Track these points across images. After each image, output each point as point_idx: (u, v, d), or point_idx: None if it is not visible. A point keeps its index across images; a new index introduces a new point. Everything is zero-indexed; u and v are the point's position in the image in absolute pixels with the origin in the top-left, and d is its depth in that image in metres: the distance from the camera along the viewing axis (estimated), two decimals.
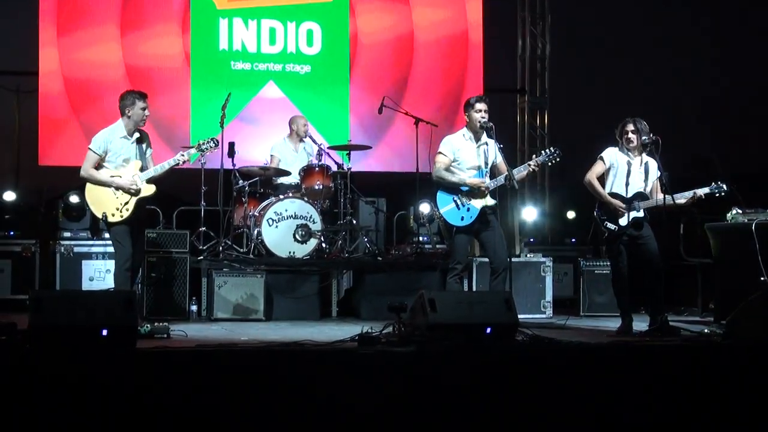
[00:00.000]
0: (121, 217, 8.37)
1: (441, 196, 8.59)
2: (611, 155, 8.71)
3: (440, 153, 8.65)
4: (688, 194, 8.51)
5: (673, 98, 12.59)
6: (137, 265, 8.71)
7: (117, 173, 8.43)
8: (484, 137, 8.60)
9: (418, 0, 13.49)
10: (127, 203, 8.36)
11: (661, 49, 13.10)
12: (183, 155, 8.62)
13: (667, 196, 8.35)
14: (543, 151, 8.80)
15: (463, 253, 8.69)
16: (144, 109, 8.46)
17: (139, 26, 12.50)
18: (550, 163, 8.77)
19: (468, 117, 8.64)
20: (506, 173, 8.40)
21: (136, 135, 8.54)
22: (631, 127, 8.61)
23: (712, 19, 12.49)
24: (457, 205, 8.51)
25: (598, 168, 8.73)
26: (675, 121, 11.63)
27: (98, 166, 8.45)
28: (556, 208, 14.22)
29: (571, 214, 13.59)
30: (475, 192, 8.51)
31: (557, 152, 8.64)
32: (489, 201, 8.51)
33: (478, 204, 8.48)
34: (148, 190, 8.48)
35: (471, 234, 8.61)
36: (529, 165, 8.61)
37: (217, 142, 9.02)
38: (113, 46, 12.38)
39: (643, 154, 8.67)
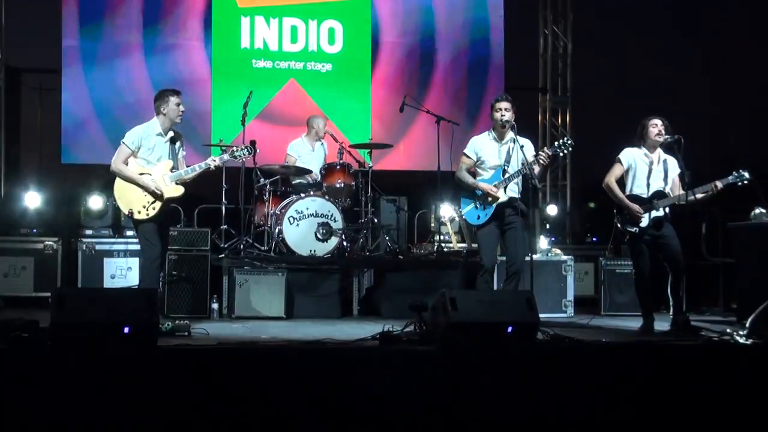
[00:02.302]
0: (147, 215, 8.29)
1: (463, 199, 8.69)
2: (629, 156, 8.67)
3: (464, 154, 8.76)
4: (708, 187, 8.44)
5: (697, 97, 12.54)
6: (163, 263, 8.70)
7: (147, 171, 8.34)
8: (510, 136, 8.57)
9: None
10: (154, 202, 8.29)
11: (684, 46, 13.05)
12: (215, 160, 8.52)
13: (686, 192, 8.32)
14: (554, 143, 8.77)
15: (488, 252, 8.64)
16: (178, 104, 8.38)
17: (161, 24, 12.54)
18: (561, 153, 8.73)
19: (491, 117, 8.66)
20: (524, 170, 8.41)
21: (171, 134, 8.47)
22: (660, 121, 8.57)
23: (735, 16, 12.44)
24: (476, 206, 8.57)
25: (616, 170, 8.70)
26: (700, 120, 11.57)
27: (129, 161, 8.41)
28: (577, 207, 14.18)
29: (592, 205, 13.55)
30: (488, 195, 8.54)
31: (568, 142, 8.62)
32: (503, 198, 8.49)
33: (493, 202, 8.51)
34: (176, 191, 8.39)
35: (494, 232, 8.59)
36: (538, 156, 8.51)
37: (252, 150, 8.92)
38: (135, 44, 12.43)
39: (661, 152, 8.64)
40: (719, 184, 8.42)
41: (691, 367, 6.71)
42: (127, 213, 8.38)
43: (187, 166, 8.54)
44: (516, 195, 8.56)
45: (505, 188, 8.50)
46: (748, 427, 6.36)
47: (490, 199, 8.48)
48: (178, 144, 8.54)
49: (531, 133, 9.24)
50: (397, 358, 6.61)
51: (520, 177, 8.48)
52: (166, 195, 8.34)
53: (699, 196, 8.40)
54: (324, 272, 10.24)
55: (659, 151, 8.63)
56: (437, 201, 11.25)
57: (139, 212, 8.30)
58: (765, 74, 12.25)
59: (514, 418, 6.17)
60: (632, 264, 8.94)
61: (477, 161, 8.67)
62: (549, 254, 10.97)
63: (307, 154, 11.27)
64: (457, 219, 11.24)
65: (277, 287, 9.83)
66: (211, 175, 8.83)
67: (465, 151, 8.75)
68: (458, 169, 8.75)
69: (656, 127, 8.56)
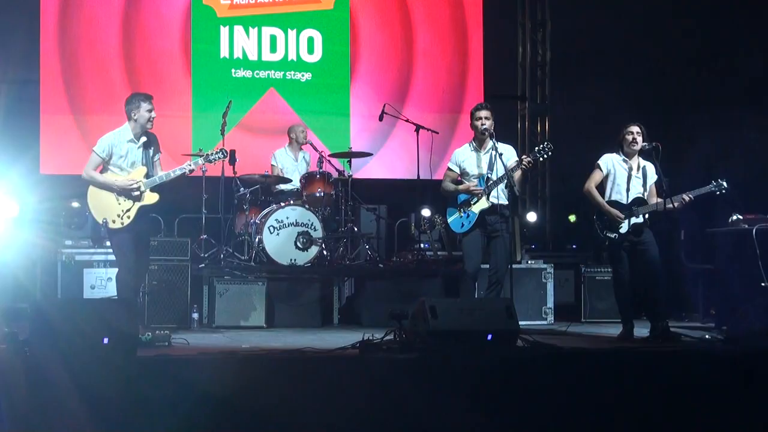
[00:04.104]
0: (122, 224, 8.18)
1: (448, 209, 8.81)
2: (608, 161, 8.70)
3: (448, 168, 8.86)
4: (686, 195, 8.48)
5: (675, 105, 12.59)
6: (141, 273, 8.56)
7: (120, 177, 8.29)
8: (491, 144, 8.61)
9: (418, 7, 13.51)
10: (128, 210, 8.18)
11: (661, 56, 13.09)
12: (190, 164, 8.42)
13: (664, 199, 8.35)
14: (535, 149, 8.83)
15: (471, 257, 8.68)
16: (150, 110, 8.22)
17: (140, 34, 12.51)
18: (542, 158, 8.79)
19: (472, 126, 8.73)
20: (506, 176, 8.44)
21: (143, 139, 8.30)
22: (636, 129, 8.60)
23: (715, 26, 12.49)
24: (460, 214, 8.62)
25: (596, 176, 8.73)
26: (677, 128, 11.63)
27: (102, 170, 8.32)
28: (557, 214, 14.22)
29: (572, 218, 13.60)
30: (472, 200, 8.58)
31: (548, 146, 8.68)
32: (484, 204, 8.54)
33: (476, 209, 8.56)
34: (151, 198, 8.27)
35: (478, 239, 8.62)
36: (521, 161, 8.58)
37: (226, 153, 8.89)
38: (114, 54, 12.41)
39: (640, 159, 8.68)
40: (697, 193, 8.47)
41: (670, 374, 6.74)
42: (101, 222, 8.27)
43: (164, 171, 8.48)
44: (504, 201, 8.61)
45: (488, 195, 8.54)
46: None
47: (474, 199, 8.53)
48: (152, 149, 8.40)
49: (510, 141, 9.25)
50: (377, 366, 6.62)
51: (504, 184, 8.51)
52: (142, 201, 8.24)
53: (678, 204, 8.44)
54: (304, 281, 10.24)
55: (638, 157, 8.68)
56: (417, 209, 11.27)
57: (114, 221, 8.17)
58: (746, 80, 12.30)
59: (494, 426, 6.18)
60: (611, 270, 8.98)
61: (461, 173, 8.74)
62: (528, 262, 11.02)
63: (291, 164, 11.29)
64: (437, 227, 11.25)
65: (258, 297, 9.82)
66: (191, 184, 8.80)
67: (449, 165, 8.86)
68: (443, 183, 8.83)
69: (632, 134, 8.60)
